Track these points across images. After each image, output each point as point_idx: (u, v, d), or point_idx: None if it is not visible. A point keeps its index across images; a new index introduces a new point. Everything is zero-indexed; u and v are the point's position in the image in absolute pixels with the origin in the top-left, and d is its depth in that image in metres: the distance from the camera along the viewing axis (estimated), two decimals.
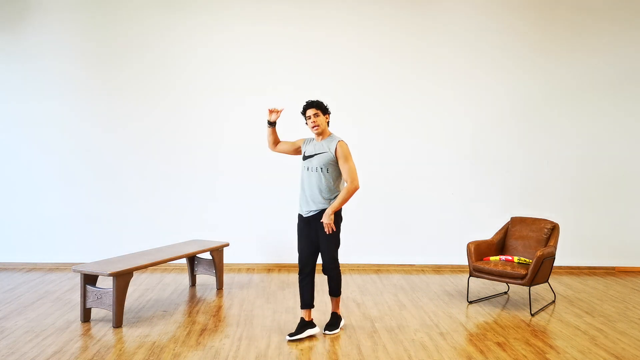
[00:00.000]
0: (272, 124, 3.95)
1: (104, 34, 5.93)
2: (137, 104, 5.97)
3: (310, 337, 3.81)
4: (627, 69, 6.15)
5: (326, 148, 3.78)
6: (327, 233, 3.73)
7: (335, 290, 3.93)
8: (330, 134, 3.86)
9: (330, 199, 3.77)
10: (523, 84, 6.12)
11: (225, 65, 5.98)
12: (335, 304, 3.99)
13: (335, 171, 3.78)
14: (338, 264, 3.87)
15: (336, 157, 3.73)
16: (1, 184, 5.96)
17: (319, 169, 3.75)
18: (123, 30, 5.93)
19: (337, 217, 3.81)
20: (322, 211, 3.77)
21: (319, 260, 3.95)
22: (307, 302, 3.87)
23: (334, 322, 3.96)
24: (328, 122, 3.86)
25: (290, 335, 3.76)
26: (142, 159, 5.99)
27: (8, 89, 5.92)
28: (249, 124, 5.97)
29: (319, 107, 3.79)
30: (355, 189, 3.72)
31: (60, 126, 5.94)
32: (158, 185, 6.00)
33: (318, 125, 3.78)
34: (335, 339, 3.79)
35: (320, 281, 5.46)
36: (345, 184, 3.79)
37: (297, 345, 3.65)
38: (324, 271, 3.87)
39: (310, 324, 3.86)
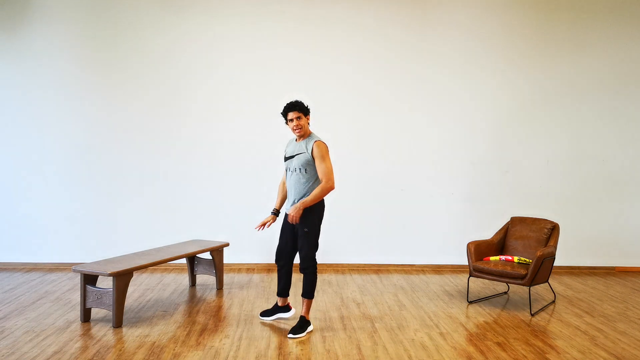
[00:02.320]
0: (275, 214, 4.12)
1: (106, 33, 5.92)
2: (138, 104, 5.96)
3: (309, 334, 3.82)
4: (627, 69, 6.15)
5: (304, 148, 3.83)
6: (290, 222, 3.81)
7: (307, 292, 3.90)
8: (310, 134, 3.89)
9: None
10: (523, 84, 6.12)
11: (228, 66, 5.98)
12: (306, 308, 3.93)
13: (313, 171, 3.82)
14: (314, 264, 3.88)
15: (313, 157, 3.77)
16: (1, 184, 5.96)
17: (298, 170, 3.82)
18: (125, 30, 5.93)
19: (315, 217, 3.84)
20: (310, 206, 3.83)
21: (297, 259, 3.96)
22: (279, 290, 4.12)
23: (300, 325, 3.87)
24: (308, 122, 3.91)
25: (262, 314, 4.19)
26: (142, 159, 5.99)
27: (8, 89, 5.91)
28: (250, 124, 5.98)
29: (300, 109, 3.81)
30: (330, 188, 3.76)
31: (60, 126, 5.94)
32: (158, 185, 6.00)
33: (301, 128, 3.82)
34: (335, 339, 3.79)
35: (319, 283, 5.46)
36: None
37: (297, 345, 3.65)
38: (300, 270, 3.91)
39: (283, 309, 4.16)
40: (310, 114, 4.01)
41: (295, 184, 3.85)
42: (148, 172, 5.99)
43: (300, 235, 3.86)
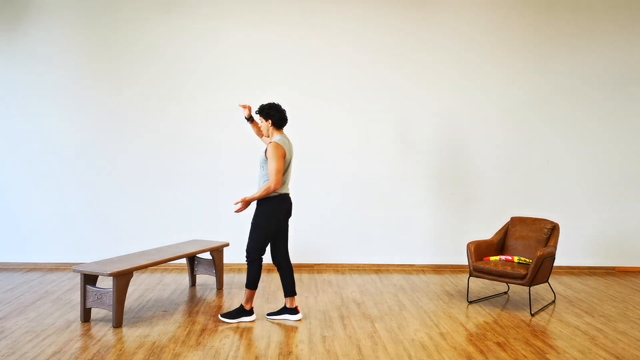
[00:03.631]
0: (249, 120, 4.43)
1: (105, 34, 5.93)
2: (138, 103, 5.97)
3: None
4: (627, 69, 6.15)
5: (265, 147, 4.11)
6: (236, 208, 4.02)
7: (247, 282, 4.09)
8: (274, 136, 4.08)
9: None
10: (523, 84, 6.12)
11: (228, 66, 5.98)
12: (245, 298, 4.12)
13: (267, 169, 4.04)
14: (250, 256, 4.04)
15: (266, 156, 3.98)
16: (1, 184, 5.96)
17: (260, 166, 4.07)
18: (124, 31, 5.93)
19: (264, 212, 4.01)
20: (260, 202, 4.04)
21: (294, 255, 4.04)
22: (285, 290, 4.21)
23: (235, 311, 4.11)
24: (275, 126, 4.07)
25: (269, 314, 4.25)
26: (142, 159, 5.99)
27: (8, 89, 5.92)
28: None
29: (260, 112, 4.10)
30: (272, 188, 3.91)
31: (60, 126, 5.94)
32: (158, 185, 6.00)
33: (262, 129, 4.15)
34: (335, 339, 3.79)
35: (319, 282, 5.46)
36: (287, 181, 4.10)
37: (297, 345, 3.65)
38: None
39: (290, 310, 4.20)
40: (271, 117, 4.07)
41: (258, 178, 4.12)
42: (148, 172, 5.99)
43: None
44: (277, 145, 3.93)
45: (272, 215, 4.02)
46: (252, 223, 4.07)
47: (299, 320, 4.19)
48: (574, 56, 6.13)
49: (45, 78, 5.92)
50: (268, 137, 4.14)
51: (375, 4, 6.01)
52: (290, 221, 5.95)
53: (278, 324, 4.10)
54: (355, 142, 6.09)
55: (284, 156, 3.94)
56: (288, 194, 4.13)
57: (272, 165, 3.89)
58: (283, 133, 4.12)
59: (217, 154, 6.02)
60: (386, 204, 6.11)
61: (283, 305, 4.28)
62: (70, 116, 5.94)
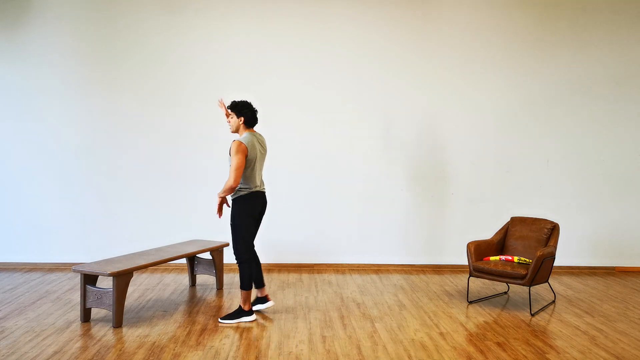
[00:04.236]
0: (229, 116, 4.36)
1: (106, 33, 5.93)
2: (138, 103, 5.97)
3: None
4: (627, 68, 6.15)
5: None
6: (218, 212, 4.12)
7: (240, 283, 4.15)
8: (243, 134, 4.14)
9: (238, 189, 4.07)
10: (523, 83, 6.12)
11: (229, 67, 5.98)
12: (241, 299, 4.17)
13: None
14: (240, 257, 4.10)
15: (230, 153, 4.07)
16: (1, 184, 5.96)
17: (228, 164, 4.16)
18: (125, 30, 5.93)
19: (238, 210, 4.07)
20: (234, 199, 4.11)
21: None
22: (256, 283, 4.33)
23: (234, 313, 4.16)
24: (246, 124, 4.14)
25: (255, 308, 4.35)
26: (142, 159, 5.99)
27: (8, 89, 5.91)
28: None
29: (233, 108, 4.15)
30: (229, 185, 3.96)
31: (59, 125, 5.94)
32: (158, 185, 6.00)
33: (230, 126, 4.20)
34: (335, 339, 3.79)
35: (319, 282, 5.46)
36: (260, 177, 4.16)
37: (297, 345, 3.65)
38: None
39: (260, 300, 4.34)
40: (243, 115, 4.13)
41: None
42: (148, 172, 5.99)
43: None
44: (239, 144, 3.98)
45: (246, 212, 4.08)
46: (230, 225, 4.10)
47: (269, 308, 4.43)
48: (574, 56, 6.12)
49: (47, 78, 5.91)
50: (236, 133, 4.19)
51: (371, 5, 6.01)
52: (291, 221, 5.99)
53: (278, 324, 4.10)
54: (356, 142, 6.08)
55: (246, 154, 3.98)
56: (260, 191, 4.16)
57: (232, 162, 3.95)
58: (254, 131, 4.19)
59: (217, 154, 6.01)
60: (386, 204, 6.11)
61: (256, 297, 4.40)
62: (70, 116, 5.94)
